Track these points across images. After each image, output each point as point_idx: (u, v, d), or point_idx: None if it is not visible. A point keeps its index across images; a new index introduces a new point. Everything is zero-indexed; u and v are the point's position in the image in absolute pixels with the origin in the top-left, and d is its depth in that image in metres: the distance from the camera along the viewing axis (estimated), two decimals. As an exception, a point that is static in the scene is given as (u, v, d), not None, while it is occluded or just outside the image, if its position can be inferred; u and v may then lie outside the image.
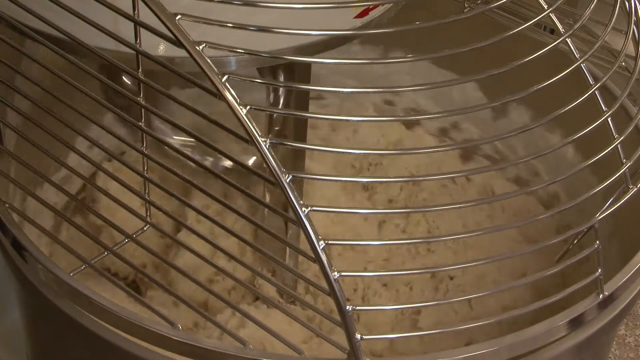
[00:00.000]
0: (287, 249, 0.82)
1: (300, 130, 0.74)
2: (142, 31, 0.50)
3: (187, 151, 0.64)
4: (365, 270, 0.88)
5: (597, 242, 0.54)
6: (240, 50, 0.47)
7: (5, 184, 0.67)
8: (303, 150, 0.77)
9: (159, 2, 0.46)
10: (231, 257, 0.55)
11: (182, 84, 0.51)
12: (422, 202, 0.94)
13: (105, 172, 0.59)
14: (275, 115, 0.72)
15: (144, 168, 0.60)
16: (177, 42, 0.46)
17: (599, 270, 0.55)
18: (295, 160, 0.77)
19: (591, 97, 0.52)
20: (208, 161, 0.70)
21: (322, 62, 0.48)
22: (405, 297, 0.87)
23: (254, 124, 0.45)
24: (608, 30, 0.54)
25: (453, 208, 0.49)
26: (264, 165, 0.45)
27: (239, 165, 0.49)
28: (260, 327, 0.55)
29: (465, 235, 0.51)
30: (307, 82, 0.69)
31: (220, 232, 0.55)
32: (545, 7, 0.53)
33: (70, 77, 0.54)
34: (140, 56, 0.52)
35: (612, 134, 0.54)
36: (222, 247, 0.54)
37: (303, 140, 0.74)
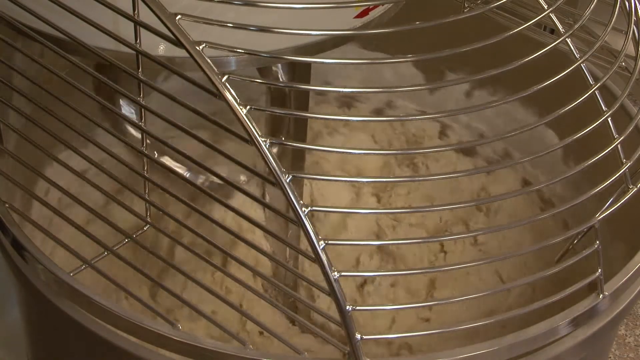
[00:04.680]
0: (287, 248, 0.82)
1: (300, 130, 0.74)
2: (142, 31, 0.50)
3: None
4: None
5: (597, 242, 0.54)
6: (240, 50, 0.47)
7: (5, 184, 0.67)
8: (303, 150, 0.77)
9: (159, 2, 0.46)
10: (231, 257, 0.55)
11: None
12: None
13: (106, 172, 0.59)
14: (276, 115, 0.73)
15: (144, 168, 0.60)
16: (177, 42, 0.46)
17: (599, 270, 0.55)
18: (295, 160, 0.77)
19: (591, 97, 0.52)
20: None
21: (322, 62, 0.48)
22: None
23: (254, 124, 0.45)
24: (608, 30, 0.54)
25: (453, 208, 0.50)
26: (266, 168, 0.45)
27: (240, 165, 0.49)
28: (262, 328, 0.55)
29: (466, 235, 0.51)
30: (307, 82, 0.69)
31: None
32: (545, 7, 0.53)
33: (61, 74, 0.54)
34: (140, 56, 0.52)
35: (612, 134, 0.54)
36: (223, 248, 0.54)
37: (303, 140, 0.74)
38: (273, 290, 0.86)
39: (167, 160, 0.68)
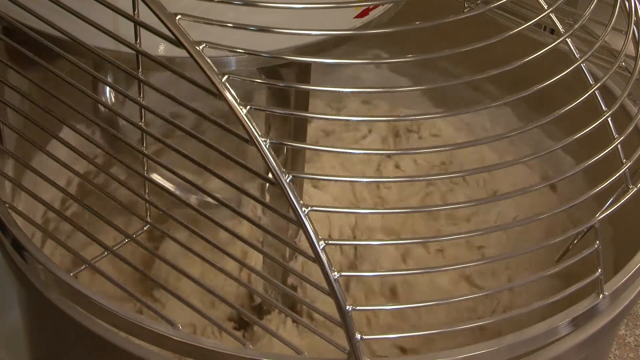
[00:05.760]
0: (287, 248, 0.82)
1: (300, 130, 0.74)
2: (142, 31, 0.50)
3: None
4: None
5: (597, 242, 0.54)
6: (240, 50, 0.47)
7: (5, 184, 0.67)
8: (303, 150, 0.77)
9: (159, 2, 0.46)
10: (232, 257, 0.55)
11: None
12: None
13: (105, 171, 0.59)
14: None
15: (144, 168, 0.60)
16: (177, 42, 0.46)
17: (599, 270, 0.55)
18: (295, 160, 0.77)
19: (591, 97, 0.52)
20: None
21: (322, 62, 0.48)
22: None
23: (254, 124, 0.45)
24: (608, 30, 0.54)
25: (453, 208, 0.50)
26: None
27: (239, 164, 0.49)
28: (261, 328, 0.55)
29: (466, 235, 0.51)
30: (307, 82, 0.69)
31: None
32: (545, 7, 0.53)
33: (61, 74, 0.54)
34: (140, 56, 0.52)
35: (612, 134, 0.54)
36: (222, 248, 0.54)
37: (303, 140, 0.74)
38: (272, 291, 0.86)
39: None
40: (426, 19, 0.48)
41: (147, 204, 0.61)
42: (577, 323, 0.57)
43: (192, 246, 0.56)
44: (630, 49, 0.58)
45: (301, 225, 0.45)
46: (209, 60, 0.45)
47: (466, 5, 0.65)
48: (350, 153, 0.53)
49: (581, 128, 0.51)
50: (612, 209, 0.54)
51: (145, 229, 0.62)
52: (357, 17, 0.58)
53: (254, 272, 0.57)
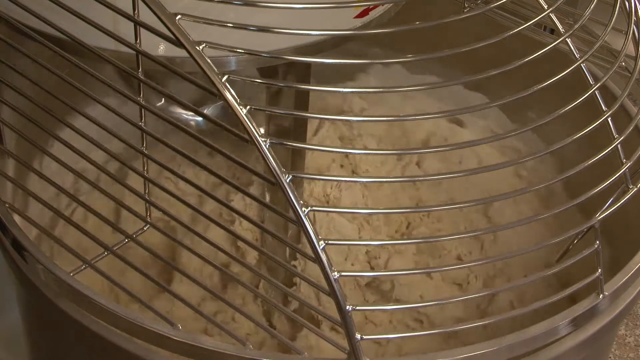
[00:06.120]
0: (287, 248, 0.82)
1: (300, 130, 0.74)
2: (142, 31, 0.50)
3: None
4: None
5: (597, 242, 0.54)
6: (240, 50, 0.47)
7: (5, 184, 0.67)
8: (303, 150, 0.77)
9: (159, 2, 0.46)
10: (233, 257, 0.55)
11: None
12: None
13: (106, 172, 0.59)
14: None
15: (143, 168, 0.60)
16: (177, 42, 0.46)
17: (599, 270, 0.55)
18: (295, 161, 0.77)
19: (591, 97, 0.52)
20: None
21: (322, 62, 0.48)
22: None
23: (254, 124, 0.45)
24: (608, 30, 0.54)
25: (453, 208, 0.50)
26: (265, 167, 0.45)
27: (238, 164, 0.49)
28: (261, 328, 0.55)
29: (465, 235, 0.51)
30: (307, 82, 0.69)
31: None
32: (545, 7, 0.53)
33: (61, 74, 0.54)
34: (140, 56, 0.52)
35: (612, 134, 0.54)
36: (222, 247, 0.54)
37: (303, 140, 0.74)
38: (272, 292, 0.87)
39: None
40: (426, 19, 0.48)
41: (147, 204, 0.60)
42: (577, 323, 0.57)
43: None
44: (630, 49, 0.58)
45: (301, 225, 0.45)
46: (209, 60, 0.45)
47: (466, 5, 0.65)
48: (350, 153, 0.53)
49: (581, 128, 0.51)
50: (612, 209, 0.54)
51: (145, 229, 0.62)
52: (357, 17, 0.58)
53: (255, 272, 0.57)
